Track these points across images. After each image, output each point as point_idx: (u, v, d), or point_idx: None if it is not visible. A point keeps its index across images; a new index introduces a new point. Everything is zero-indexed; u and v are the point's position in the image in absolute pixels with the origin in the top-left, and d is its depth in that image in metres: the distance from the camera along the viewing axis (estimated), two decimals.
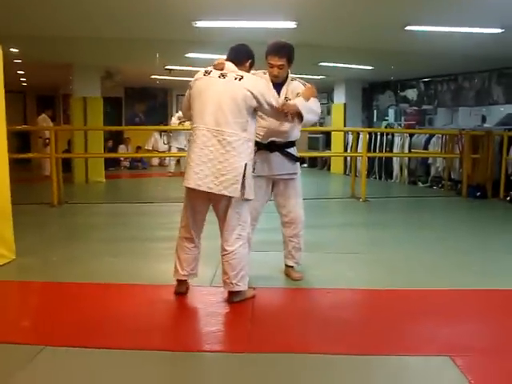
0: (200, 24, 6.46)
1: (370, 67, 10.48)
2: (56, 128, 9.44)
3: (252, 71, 3.62)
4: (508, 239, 5.78)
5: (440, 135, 10.16)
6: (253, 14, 6.11)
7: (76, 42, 7.98)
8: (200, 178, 3.26)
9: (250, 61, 3.52)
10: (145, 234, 5.79)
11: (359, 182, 8.55)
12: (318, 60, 9.67)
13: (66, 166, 9.44)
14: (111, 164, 13.14)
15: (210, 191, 3.27)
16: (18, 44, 8.00)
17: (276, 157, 3.83)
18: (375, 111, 14.02)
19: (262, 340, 2.99)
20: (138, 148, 15.13)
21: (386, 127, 12.71)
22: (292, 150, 3.92)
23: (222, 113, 3.26)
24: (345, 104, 13.01)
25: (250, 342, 2.94)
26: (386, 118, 13.55)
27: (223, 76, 3.34)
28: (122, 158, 14.56)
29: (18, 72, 11.94)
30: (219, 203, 3.38)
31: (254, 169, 3.61)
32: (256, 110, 3.42)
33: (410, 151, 10.90)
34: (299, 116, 3.55)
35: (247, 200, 3.41)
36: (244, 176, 3.29)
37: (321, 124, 15.46)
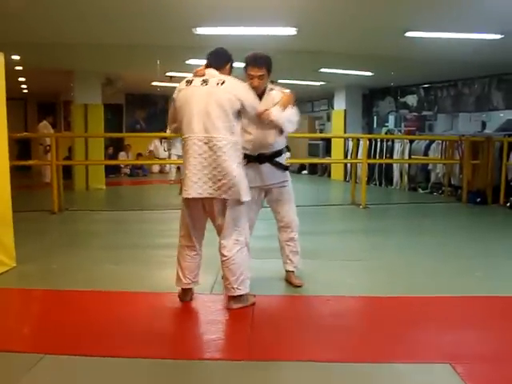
0: (200, 31, 6.48)
1: (370, 73, 10.50)
2: (57, 135, 9.44)
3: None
4: (508, 245, 5.78)
5: (440, 141, 10.17)
6: (253, 20, 6.14)
7: (77, 49, 8.01)
8: (200, 186, 3.29)
9: (229, 64, 3.56)
10: (146, 241, 5.79)
11: (359, 189, 8.54)
12: (318, 66, 9.70)
13: (67, 172, 9.45)
14: (112, 171, 13.14)
15: (211, 197, 3.30)
16: (19, 51, 8.03)
17: (266, 167, 3.92)
18: (375, 117, 14.04)
19: (262, 348, 2.98)
20: (139, 155, 15.14)
21: (386, 133, 12.73)
22: (280, 159, 3.99)
23: (208, 119, 3.29)
24: (345, 110, 13.03)
25: (250, 349, 2.93)
26: (386, 124, 13.57)
27: (205, 82, 3.37)
28: (122, 165, 14.57)
29: (19, 79, 11.98)
30: (214, 209, 3.40)
31: None
32: (240, 113, 3.43)
33: (410, 157, 10.90)
34: (278, 127, 3.59)
35: (242, 203, 3.43)
36: (238, 178, 3.33)
37: (321, 130, 15.50)
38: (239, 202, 3.41)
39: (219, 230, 3.46)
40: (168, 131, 4.14)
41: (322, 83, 11.92)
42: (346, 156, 12.43)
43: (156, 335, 3.11)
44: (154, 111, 16.58)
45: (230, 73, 3.55)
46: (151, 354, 2.84)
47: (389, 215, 8.23)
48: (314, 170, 14.59)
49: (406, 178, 11.15)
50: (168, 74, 10.70)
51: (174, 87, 3.60)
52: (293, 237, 4.08)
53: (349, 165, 11.92)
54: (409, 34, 6.56)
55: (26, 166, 11.92)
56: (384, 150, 11.63)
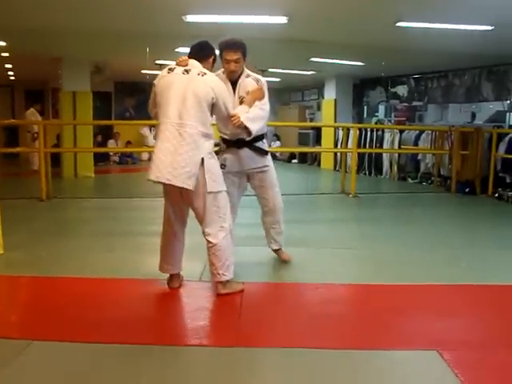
0: (190, 18, 6.42)
1: (361, 63, 10.48)
2: (45, 122, 9.37)
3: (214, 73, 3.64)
4: (496, 235, 5.83)
5: (430, 131, 10.20)
6: (244, 8, 6.08)
7: (65, 36, 7.91)
8: (160, 170, 3.28)
9: (212, 56, 3.59)
10: (136, 228, 5.78)
11: (349, 178, 8.56)
12: (308, 55, 9.66)
13: (55, 160, 9.38)
14: (100, 159, 13.04)
15: (168, 183, 3.29)
16: (6, 37, 7.92)
17: (245, 152, 3.95)
18: (366, 107, 14.03)
19: (250, 334, 3.00)
20: (128, 143, 15.05)
21: (376, 123, 12.74)
22: (261, 144, 4.01)
23: (184, 107, 3.31)
24: (335, 100, 13.01)
25: (238, 336, 2.94)
26: (377, 114, 13.57)
27: (187, 72, 3.40)
28: (111, 153, 14.47)
29: (6, 66, 11.82)
30: (193, 198, 3.39)
31: (223, 165, 3.80)
32: (212, 107, 3.41)
33: (399, 147, 10.93)
34: (246, 128, 3.58)
35: (218, 192, 3.43)
36: (203, 169, 3.32)
37: (311, 120, 15.48)
38: (219, 191, 3.43)
39: (201, 218, 3.47)
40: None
41: (313, 72, 11.88)
42: (336, 145, 12.43)
43: (144, 321, 3.12)
44: (144, 99, 16.30)
45: (212, 65, 3.59)
46: (139, 340, 2.85)
47: (378, 204, 8.26)
48: (303, 159, 14.60)
49: (395, 168, 11.19)
50: (158, 62, 10.61)
51: None
52: (278, 219, 4.20)
53: (339, 154, 11.94)
54: (400, 24, 6.54)
55: (13, 153, 11.81)
56: (374, 140, 11.63)
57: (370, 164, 11.81)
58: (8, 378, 2.44)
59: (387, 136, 11.34)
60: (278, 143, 15.32)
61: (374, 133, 11.65)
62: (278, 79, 13.26)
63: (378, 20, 6.58)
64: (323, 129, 13.22)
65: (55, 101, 13.85)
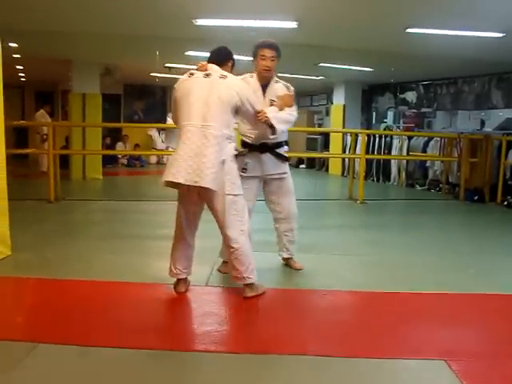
0: (200, 22, 6.43)
1: (370, 69, 10.46)
2: (54, 124, 9.44)
3: (240, 77, 3.74)
4: (505, 242, 5.80)
5: (438, 138, 10.16)
6: (254, 12, 6.09)
7: (75, 38, 7.95)
8: (186, 172, 3.27)
9: (231, 61, 3.64)
10: (144, 231, 5.78)
11: (357, 184, 8.53)
12: (318, 61, 9.66)
13: (64, 162, 9.40)
14: (109, 161, 13.09)
15: (196, 185, 3.28)
16: (18, 39, 7.96)
17: (267, 158, 3.98)
18: (374, 113, 14.01)
19: (257, 341, 2.98)
20: (136, 146, 15.09)
21: (384, 129, 12.71)
22: (281, 151, 4.08)
23: (208, 109, 3.33)
24: (344, 105, 12.99)
25: (245, 342, 2.93)
26: (385, 120, 13.55)
27: (207, 76, 3.44)
28: (119, 156, 14.52)
29: (17, 67, 11.89)
30: (214, 202, 3.40)
31: (244, 169, 3.83)
32: (237, 110, 3.48)
33: (408, 154, 10.89)
34: (271, 126, 3.66)
35: (237, 195, 3.44)
36: (223, 171, 3.33)
37: (319, 125, 15.46)
38: (237, 194, 3.43)
39: (221, 222, 3.46)
40: (169, 119, 4.19)
41: (322, 78, 11.88)
42: (344, 151, 12.41)
43: (151, 326, 3.10)
44: (153, 102, 16.51)
45: (231, 71, 3.62)
46: (145, 344, 2.83)
47: (386, 211, 8.23)
48: (311, 164, 14.58)
49: (403, 175, 11.15)
50: (167, 65, 10.64)
51: (173, 78, 3.63)
52: (292, 227, 4.20)
53: (347, 160, 11.91)
54: (410, 30, 6.53)
55: (22, 154, 11.86)
56: (382, 146, 11.60)
57: (378, 170, 11.77)
58: (14, 380, 2.43)
59: (395, 142, 11.30)
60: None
61: (383, 139, 11.62)
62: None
63: (388, 26, 6.57)
64: (331, 134, 13.19)
65: (65, 102, 13.92)
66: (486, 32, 6.52)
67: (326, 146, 13.77)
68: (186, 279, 3.67)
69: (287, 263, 4.32)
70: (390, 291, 3.89)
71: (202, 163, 3.25)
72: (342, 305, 3.65)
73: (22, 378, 2.46)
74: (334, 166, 13.18)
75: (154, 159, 15.26)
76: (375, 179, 11.81)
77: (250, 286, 3.54)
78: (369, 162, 11.33)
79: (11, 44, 8.24)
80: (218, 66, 3.51)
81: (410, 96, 12.63)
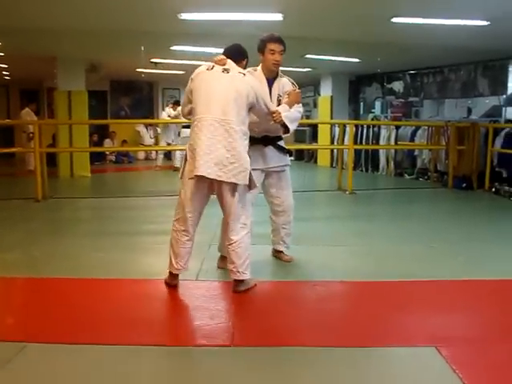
0: (185, 16, 6.39)
1: (357, 60, 10.46)
2: (40, 122, 9.34)
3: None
4: (493, 229, 5.84)
5: (426, 127, 10.19)
6: (239, 6, 6.05)
7: (60, 35, 7.86)
8: (210, 166, 3.29)
9: (246, 60, 3.70)
10: (132, 227, 5.75)
11: (346, 175, 8.55)
12: (304, 52, 9.64)
13: (51, 160, 9.33)
14: (97, 158, 13.01)
15: (219, 179, 3.32)
16: (0, 36, 7.87)
17: (270, 150, 4.04)
18: (362, 104, 14.01)
19: (248, 333, 2.98)
20: (124, 142, 15.01)
21: (372, 119, 12.73)
22: (282, 143, 4.12)
23: (228, 104, 3.37)
24: (331, 97, 12.99)
25: (236, 335, 2.92)
26: (373, 110, 13.56)
27: (226, 71, 3.48)
28: (107, 153, 14.43)
29: (1, 65, 11.76)
30: (224, 193, 3.43)
31: None
32: (251, 108, 3.53)
33: (396, 143, 10.92)
34: (285, 126, 3.81)
35: (249, 190, 3.52)
36: (242, 166, 3.38)
37: (307, 117, 15.44)
38: (247, 188, 3.48)
39: (227, 214, 3.49)
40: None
41: (309, 69, 11.85)
42: (332, 142, 12.43)
43: (141, 322, 3.09)
44: (139, 98, 16.41)
45: (244, 69, 3.68)
46: (137, 340, 2.82)
47: (375, 201, 8.26)
48: (300, 156, 14.56)
49: (392, 164, 11.17)
50: (153, 60, 10.57)
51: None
52: (290, 220, 4.24)
53: (335, 151, 11.92)
54: (395, 19, 6.53)
55: (9, 153, 11.73)
56: (370, 136, 11.63)
57: (367, 160, 11.79)
58: (2, 381, 2.41)
59: (383, 132, 11.32)
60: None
61: (371, 129, 11.63)
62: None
63: (374, 16, 6.55)
64: (319, 126, 13.19)
65: (50, 100, 13.79)
66: (471, 20, 6.54)
67: (314, 137, 13.78)
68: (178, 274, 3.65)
69: (277, 255, 4.33)
70: (380, 280, 3.90)
71: (226, 158, 3.30)
72: (333, 295, 3.66)
73: (12, 378, 2.44)
74: (323, 158, 13.19)
75: (142, 155, 15.19)
76: (364, 169, 11.83)
77: (242, 281, 3.53)
78: (357, 153, 11.35)
79: None
80: (234, 62, 3.55)
81: (397, 86, 12.65)
